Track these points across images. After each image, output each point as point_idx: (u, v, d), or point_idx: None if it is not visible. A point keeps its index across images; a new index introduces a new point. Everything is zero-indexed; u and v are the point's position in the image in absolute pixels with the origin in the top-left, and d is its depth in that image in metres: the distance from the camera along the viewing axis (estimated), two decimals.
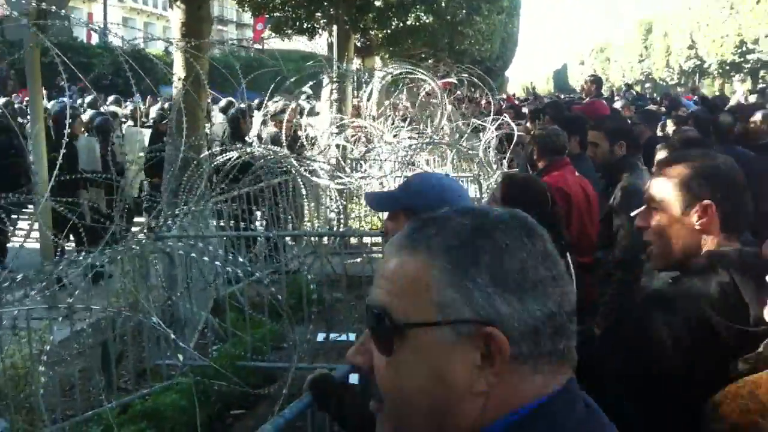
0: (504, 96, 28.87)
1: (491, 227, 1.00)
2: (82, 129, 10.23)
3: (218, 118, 12.97)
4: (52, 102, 13.87)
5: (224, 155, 6.43)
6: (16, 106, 15.57)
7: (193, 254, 4.47)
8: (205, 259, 4.34)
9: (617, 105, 11.96)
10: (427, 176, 2.80)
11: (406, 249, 1.02)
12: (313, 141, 9.49)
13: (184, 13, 7.84)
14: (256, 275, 5.32)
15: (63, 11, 6.63)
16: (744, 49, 33.66)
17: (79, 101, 17.59)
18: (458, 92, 15.98)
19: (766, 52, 30.96)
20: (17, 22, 6.38)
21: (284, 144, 7.27)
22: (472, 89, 15.81)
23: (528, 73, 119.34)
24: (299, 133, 10.33)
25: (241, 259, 4.87)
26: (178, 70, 7.71)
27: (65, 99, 13.17)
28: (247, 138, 9.70)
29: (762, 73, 35.92)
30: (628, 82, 55.34)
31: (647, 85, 52.96)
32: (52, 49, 3.93)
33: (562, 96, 30.51)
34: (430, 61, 17.63)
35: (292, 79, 9.79)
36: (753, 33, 31.74)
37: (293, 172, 6.45)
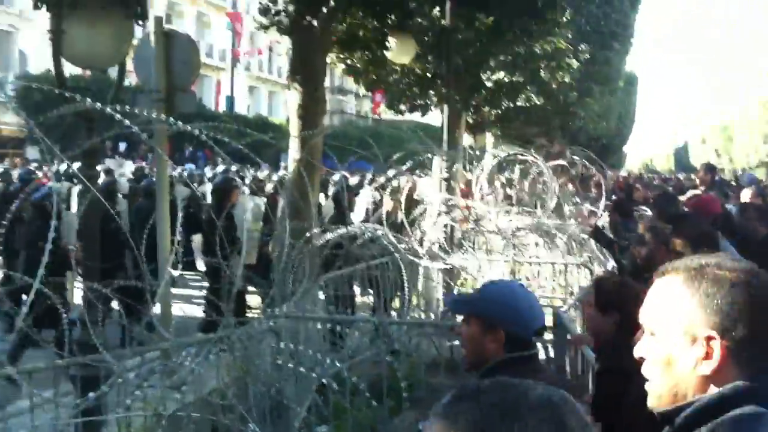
0: (619, 176, 28.39)
1: (519, 415, 1.02)
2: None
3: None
4: (178, 169, 14.50)
5: (325, 236, 6.58)
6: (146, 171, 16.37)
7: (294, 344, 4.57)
8: (308, 349, 4.44)
9: (745, 194, 10.33)
10: (502, 285, 2.90)
11: (441, 418, 1.08)
12: (413, 221, 9.49)
13: (300, 95, 8.23)
14: (357, 358, 5.45)
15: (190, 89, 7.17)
16: None
17: (207, 168, 18.42)
18: (572, 171, 15.87)
19: None
20: (148, 96, 6.90)
21: (385, 223, 7.38)
22: (586, 168, 15.67)
23: (647, 148, 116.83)
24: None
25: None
26: (293, 152, 8.05)
27: (191, 165, 13.77)
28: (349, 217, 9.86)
29: None
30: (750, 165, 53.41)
31: None
32: (174, 123, 4.19)
33: (682, 176, 29.46)
34: (543, 140, 17.68)
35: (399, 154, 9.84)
36: None
37: (394, 252, 6.54)
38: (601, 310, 3.71)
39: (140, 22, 4.85)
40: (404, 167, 12.46)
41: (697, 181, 11.97)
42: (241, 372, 5.04)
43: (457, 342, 6.87)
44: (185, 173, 13.61)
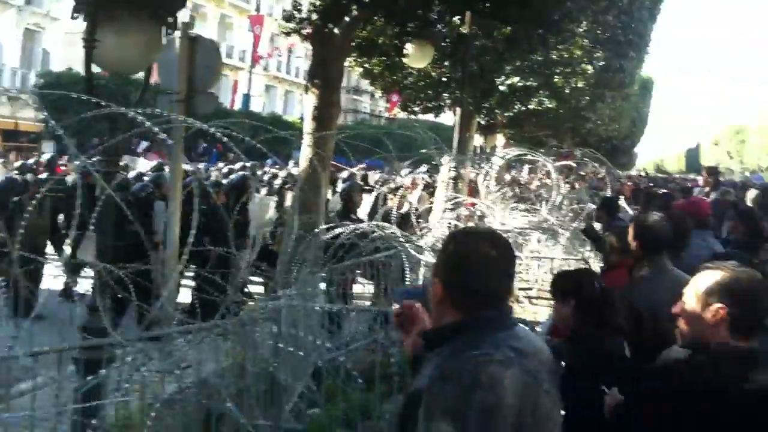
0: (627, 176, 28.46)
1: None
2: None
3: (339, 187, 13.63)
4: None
5: (334, 231, 6.80)
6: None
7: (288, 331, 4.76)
8: (302, 334, 4.65)
9: (750, 196, 10.90)
10: None
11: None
12: (419, 217, 9.73)
13: (317, 98, 8.54)
14: (353, 346, 5.70)
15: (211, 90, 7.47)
16: None
17: (222, 164, 18.70)
18: (581, 172, 16.02)
19: None
20: (169, 96, 7.21)
21: (393, 221, 7.61)
22: (595, 169, 15.81)
23: (659, 149, 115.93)
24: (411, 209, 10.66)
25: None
26: (305, 149, 8.33)
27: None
28: (355, 215, 10.09)
29: None
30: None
31: None
32: (192, 124, 4.42)
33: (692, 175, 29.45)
34: (554, 142, 17.80)
35: (423, 151, 10.07)
36: None
37: (398, 248, 6.76)
38: (559, 301, 3.92)
39: (169, 31, 5.10)
40: (418, 169, 12.73)
41: (700, 182, 12.20)
42: (240, 357, 5.23)
43: None
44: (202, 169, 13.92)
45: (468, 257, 2.18)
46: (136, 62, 5.00)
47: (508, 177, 12.82)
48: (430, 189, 14.67)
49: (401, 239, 7.09)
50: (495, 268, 2.17)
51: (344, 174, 14.58)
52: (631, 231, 4.68)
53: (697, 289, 2.66)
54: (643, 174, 44.33)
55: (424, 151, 10.04)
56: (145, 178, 11.79)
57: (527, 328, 2.47)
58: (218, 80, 7.75)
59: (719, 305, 2.56)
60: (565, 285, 3.94)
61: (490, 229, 4.53)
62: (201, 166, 17.73)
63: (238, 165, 15.83)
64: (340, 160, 13.12)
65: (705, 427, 2.48)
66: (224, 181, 12.32)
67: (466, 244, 2.24)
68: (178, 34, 7.19)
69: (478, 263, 2.15)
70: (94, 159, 4.78)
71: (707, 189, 11.27)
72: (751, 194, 10.63)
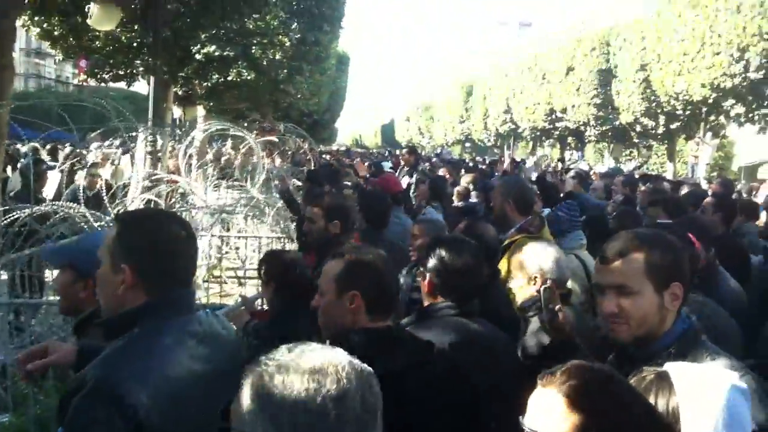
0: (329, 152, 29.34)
1: None
2: None
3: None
4: None
5: (13, 214, 5.97)
6: None
7: None
8: None
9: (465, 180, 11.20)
10: (99, 236, 2.88)
11: None
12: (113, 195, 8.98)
13: None
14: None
15: None
16: (554, 117, 36.07)
17: None
18: (285, 147, 16.05)
19: (573, 120, 33.35)
20: None
21: (81, 200, 6.85)
22: (297, 142, 15.93)
23: (357, 124, 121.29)
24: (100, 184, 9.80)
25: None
26: None
27: None
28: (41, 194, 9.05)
29: (569, 139, 38.72)
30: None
31: (467, 145, 55.47)
32: None
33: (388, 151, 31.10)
34: (256, 115, 17.60)
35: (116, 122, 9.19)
36: (562, 102, 34.12)
37: (87, 229, 6.06)
38: (265, 283, 4.02)
39: None
40: (108, 142, 11.74)
41: (402, 162, 12.73)
42: None
43: None
44: None
45: (159, 239, 2.18)
46: None
47: (210, 153, 12.33)
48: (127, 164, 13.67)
49: (90, 220, 6.37)
50: (186, 249, 2.24)
51: (24, 148, 13.06)
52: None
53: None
54: (343, 149, 46.19)
55: (114, 123, 9.18)
56: None
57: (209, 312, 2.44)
58: None
59: (354, 291, 2.47)
60: (268, 268, 4.01)
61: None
62: None
63: None
64: (18, 132, 11.56)
65: None
66: None
67: (158, 226, 2.23)
68: None
69: (170, 244, 2.18)
70: None
71: (407, 168, 11.70)
72: (466, 178, 11.21)
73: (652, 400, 1.78)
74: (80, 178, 10.33)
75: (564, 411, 1.55)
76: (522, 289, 3.48)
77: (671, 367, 1.85)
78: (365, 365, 1.50)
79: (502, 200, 5.01)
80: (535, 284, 3.36)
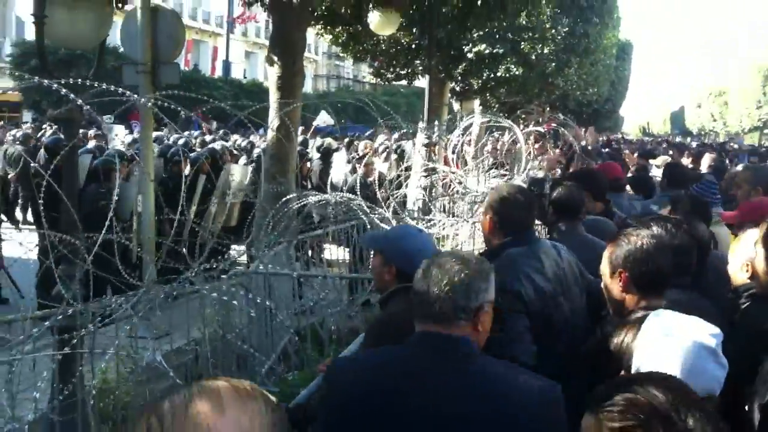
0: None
1: None
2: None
3: (315, 155, 13.85)
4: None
5: (303, 200, 6.96)
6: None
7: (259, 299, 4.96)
8: (281, 303, 4.87)
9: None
10: (403, 229, 3.58)
11: None
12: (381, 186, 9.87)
13: (279, 68, 8.56)
14: (331, 311, 6.00)
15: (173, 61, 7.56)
16: None
17: (196, 133, 18.54)
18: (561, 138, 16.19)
19: None
20: (134, 67, 7.30)
21: (358, 191, 7.72)
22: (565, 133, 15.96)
23: (645, 112, 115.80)
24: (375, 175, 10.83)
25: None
26: (273, 121, 8.40)
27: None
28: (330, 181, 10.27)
29: None
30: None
31: (766, 131, 50.99)
32: (158, 98, 4.50)
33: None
34: (532, 106, 17.93)
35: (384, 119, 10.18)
36: None
37: (363, 217, 6.89)
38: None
39: (119, 6, 5.14)
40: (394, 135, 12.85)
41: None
42: (217, 324, 5.42)
43: None
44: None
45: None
46: (87, 37, 5.00)
47: (489, 146, 12.98)
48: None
49: (366, 210, 7.23)
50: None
51: (318, 142, 14.74)
52: None
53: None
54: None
55: (395, 119, 10.14)
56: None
57: None
58: (181, 50, 7.80)
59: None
60: None
61: None
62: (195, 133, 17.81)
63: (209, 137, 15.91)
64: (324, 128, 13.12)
65: None
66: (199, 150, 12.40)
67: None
68: (138, 4, 7.28)
69: None
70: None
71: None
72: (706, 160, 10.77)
73: (621, 337, 2.09)
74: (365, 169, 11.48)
75: None
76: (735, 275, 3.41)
77: (659, 314, 2.09)
78: None
79: (749, 188, 5.02)
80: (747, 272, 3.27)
